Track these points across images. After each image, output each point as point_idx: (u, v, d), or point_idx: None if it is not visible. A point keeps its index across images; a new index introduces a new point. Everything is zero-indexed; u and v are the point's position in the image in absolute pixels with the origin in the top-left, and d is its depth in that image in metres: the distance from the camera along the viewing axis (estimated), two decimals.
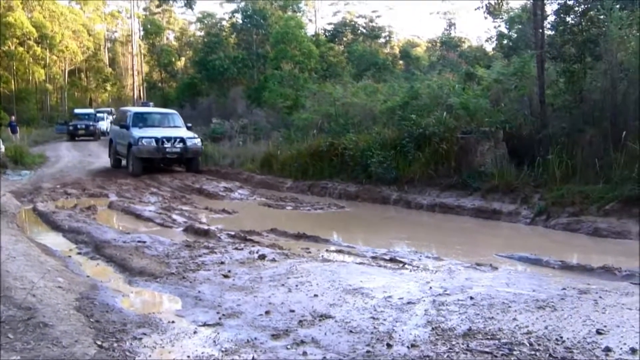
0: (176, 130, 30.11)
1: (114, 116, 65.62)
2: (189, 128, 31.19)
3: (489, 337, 7.00)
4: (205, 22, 67.07)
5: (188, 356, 6.69)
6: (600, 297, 8.57)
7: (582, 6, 20.47)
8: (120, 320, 7.91)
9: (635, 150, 15.63)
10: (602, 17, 19.06)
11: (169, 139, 28.29)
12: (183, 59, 79.45)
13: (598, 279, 10.14)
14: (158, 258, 11.76)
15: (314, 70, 48.80)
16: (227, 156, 30.77)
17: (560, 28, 20.94)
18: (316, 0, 72.61)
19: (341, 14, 71.53)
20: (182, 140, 28.61)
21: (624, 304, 8.20)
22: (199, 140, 29.64)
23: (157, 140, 28.04)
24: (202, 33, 69.07)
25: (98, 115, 62.17)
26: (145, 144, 27.90)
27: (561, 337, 6.92)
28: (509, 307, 8.11)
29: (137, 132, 28.54)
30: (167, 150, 28.14)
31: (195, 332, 7.52)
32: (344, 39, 63.88)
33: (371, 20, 65.71)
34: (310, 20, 68.95)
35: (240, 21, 58.87)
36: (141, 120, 30.34)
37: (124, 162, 30.53)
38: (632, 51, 17.93)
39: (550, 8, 21.17)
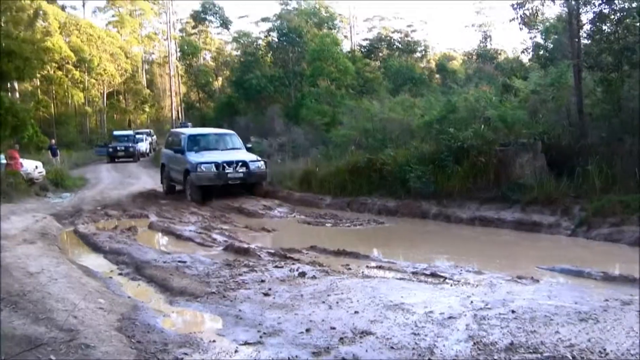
0: (236, 152, 27.45)
1: (153, 137, 66.19)
2: (248, 149, 28.67)
3: (531, 350, 6.96)
4: (241, 41, 67.08)
5: None
6: None
7: (618, 14, 20.35)
8: (161, 340, 7.95)
9: None
10: (638, 24, 18.95)
11: (230, 163, 25.62)
12: (220, 78, 79.66)
13: None
14: (199, 277, 11.81)
15: (351, 87, 48.78)
16: (266, 174, 30.68)
17: (596, 37, 20.85)
18: (351, 16, 72.77)
19: (376, 29, 71.46)
20: (245, 163, 25.87)
21: None
22: (262, 162, 26.68)
23: (217, 165, 25.40)
24: (239, 52, 69.11)
25: (137, 136, 62.46)
26: (204, 170, 25.36)
27: (604, 350, 6.87)
28: (551, 320, 8.06)
29: (194, 157, 26.08)
30: (229, 176, 25.48)
31: (236, 351, 7.54)
32: (380, 54, 63.81)
33: (406, 35, 65.63)
34: (345, 37, 69.03)
35: (276, 40, 58.94)
36: (196, 143, 27.70)
37: (178, 186, 27.89)
38: None
39: (585, 17, 21.07)
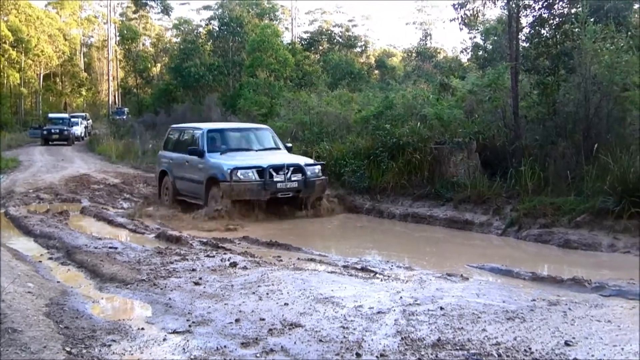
0: (277, 154, 20.51)
1: (89, 121, 65.44)
2: (289, 150, 21.31)
3: (458, 347, 7.04)
4: (182, 28, 67.11)
5: None
6: (569, 308, 8.62)
7: (557, 19, 20.61)
8: (89, 326, 7.91)
9: (606, 163, 15.74)
10: (576, 30, 19.19)
11: (278, 167, 18.57)
12: (159, 65, 79.43)
13: (568, 290, 10.17)
14: (129, 264, 11.76)
15: (290, 79, 48.85)
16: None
17: (534, 40, 21.07)
18: (293, 8, 72.97)
19: (318, 22, 72.03)
20: (299, 168, 18.85)
21: (593, 316, 8.27)
22: (319, 167, 19.66)
23: (260, 171, 18.41)
24: (178, 39, 69.14)
25: (72, 120, 62.05)
26: (242, 179, 18.31)
27: (530, 349, 6.97)
28: (479, 317, 8.15)
29: (223, 160, 19.11)
30: (279, 186, 18.46)
31: (164, 340, 7.52)
32: (320, 47, 64.07)
33: (347, 30, 66.06)
34: (286, 29, 69.38)
35: (217, 28, 58.91)
36: (220, 141, 20.48)
37: (191, 200, 20.28)
38: (605, 64, 18.04)
39: (525, 20, 21.31)
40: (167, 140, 22.98)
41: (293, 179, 18.61)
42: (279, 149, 21.01)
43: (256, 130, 22.27)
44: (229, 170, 18.23)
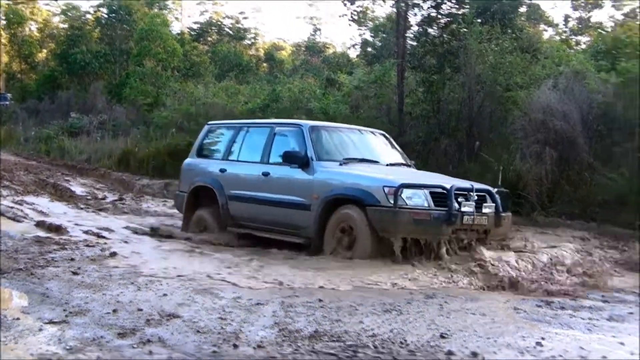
0: (420, 172, 14.13)
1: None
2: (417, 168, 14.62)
3: (334, 339, 7.06)
4: (70, 14, 66.07)
5: (32, 354, 6.56)
6: (445, 302, 8.76)
7: (445, 19, 20.92)
8: None
9: (488, 160, 16.03)
10: (463, 30, 19.53)
11: (464, 191, 11.64)
12: (45, 51, 78.03)
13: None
14: (6, 253, 11.49)
15: (177, 69, 48.57)
16: (84, 152, 29.87)
17: (422, 39, 21.36)
18: None
19: (208, 13, 71.49)
20: (489, 195, 12.03)
21: (468, 309, 8.41)
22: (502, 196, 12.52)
23: (437, 195, 11.37)
24: (66, 26, 68.03)
25: None
26: (411, 205, 11.11)
27: (405, 341, 7.03)
28: (357, 310, 8.21)
29: (359, 172, 12.28)
30: (466, 220, 11.32)
31: (40, 330, 7.37)
32: (209, 39, 63.74)
33: (237, 22, 65.77)
34: (176, 19, 68.64)
35: (105, 15, 58.24)
36: (331, 145, 13.40)
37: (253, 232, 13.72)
38: (489, 65, 18.44)
39: (414, 19, 21.60)
40: (204, 144, 15.91)
41: (485, 210, 11.79)
42: (408, 165, 14.14)
43: (372, 134, 14.83)
44: (387, 189, 11.17)
